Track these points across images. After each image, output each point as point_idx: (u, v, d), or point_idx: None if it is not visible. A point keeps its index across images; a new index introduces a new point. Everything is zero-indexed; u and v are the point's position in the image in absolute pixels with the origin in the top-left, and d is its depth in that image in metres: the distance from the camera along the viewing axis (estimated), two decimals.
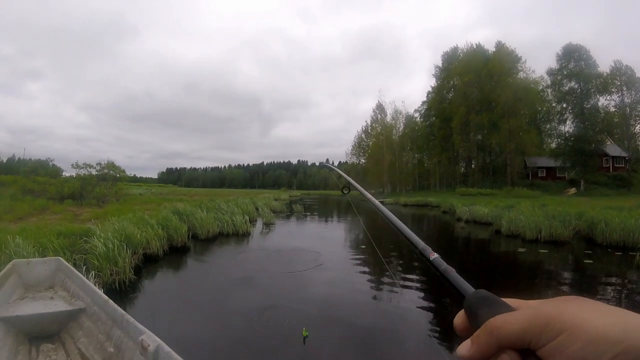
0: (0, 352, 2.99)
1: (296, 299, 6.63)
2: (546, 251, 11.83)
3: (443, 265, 0.63)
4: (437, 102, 68.76)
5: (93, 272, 6.24)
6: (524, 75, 58.23)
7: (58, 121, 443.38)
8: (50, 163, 33.25)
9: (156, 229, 9.95)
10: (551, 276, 9.09)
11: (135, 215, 11.52)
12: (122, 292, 6.56)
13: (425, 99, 75.34)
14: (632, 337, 0.34)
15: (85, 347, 3.30)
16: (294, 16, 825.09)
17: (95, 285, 4.20)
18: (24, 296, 4.05)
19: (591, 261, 10.27)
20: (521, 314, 0.41)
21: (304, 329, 4.86)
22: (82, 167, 21.77)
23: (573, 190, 45.78)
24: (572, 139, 50.05)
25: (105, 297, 3.49)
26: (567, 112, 52.40)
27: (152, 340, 2.50)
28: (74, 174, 22.34)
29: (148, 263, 8.81)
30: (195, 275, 8.39)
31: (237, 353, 4.51)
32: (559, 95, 52.75)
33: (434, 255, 0.67)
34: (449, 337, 4.85)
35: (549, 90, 55.86)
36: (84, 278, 4.11)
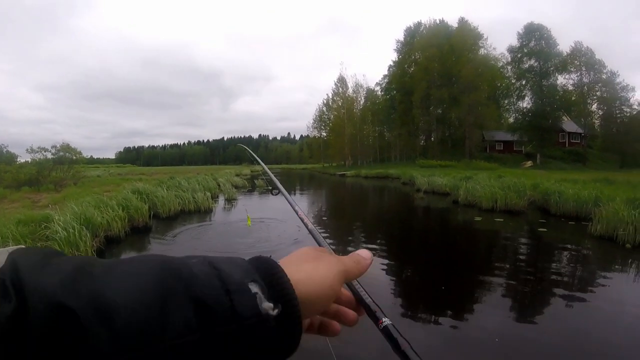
0: None
1: None
2: (502, 220, 12.32)
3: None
4: (398, 76, 68.96)
5: None
6: (485, 51, 59.37)
7: (12, 104, 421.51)
8: (4, 149, 31.75)
9: (117, 210, 9.74)
10: (507, 243, 9.53)
11: (94, 197, 11.23)
12: None
13: (386, 72, 75.60)
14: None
15: None
16: None
17: None
18: None
19: (545, 230, 10.77)
20: None
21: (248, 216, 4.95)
22: (37, 152, 20.84)
23: (530, 163, 47.47)
24: (530, 114, 52.02)
25: None
26: (526, 89, 54.29)
27: None
28: (29, 159, 21.58)
29: (110, 245, 8.68)
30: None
31: None
32: (518, 72, 54.61)
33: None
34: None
35: (509, 67, 57.59)
36: None
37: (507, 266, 7.30)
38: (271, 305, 0.39)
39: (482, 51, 58.98)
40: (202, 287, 0.37)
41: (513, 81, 56.74)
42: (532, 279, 6.41)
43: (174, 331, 0.34)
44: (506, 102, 61.34)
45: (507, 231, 10.98)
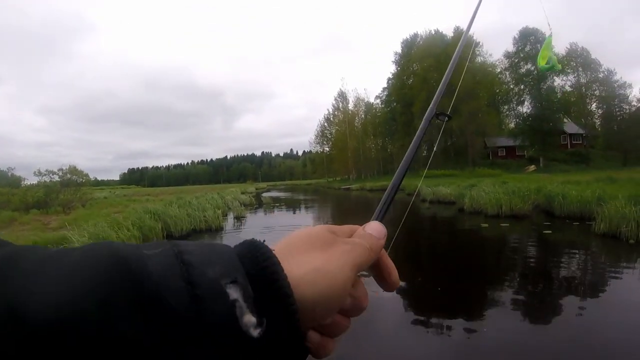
0: None
1: None
2: (508, 225, 12.47)
3: None
4: (397, 87, 69.34)
5: None
6: (482, 59, 59.63)
7: (17, 127, 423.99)
8: (10, 173, 32.05)
9: (132, 229, 10.04)
10: (514, 247, 9.74)
11: (107, 218, 11.50)
12: None
13: (385, 85, 76.15)
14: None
15: None
16: (255, 8, 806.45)
17: None
18: None
19: (550, 232, 10.90)
20: None
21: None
22: (45, 174, 21.35)
23: (533, 167, 47.43)
24: (530, 119, 52.37)
25: None
26: (525, 94, 54.67)
27: None
28: (36, 182, 21.91)
29: None
30: None
31: None
32: (516, 77, 55.19)
33: None
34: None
35: (506, 73, 58.28)
36: None
37: (514, 269, 7.47)
38: (254, 320, 0.28)
39: (479, 59, 59.31)
40: (157, 289, 0.26)
41: (512, 86, 57.28)
42: (540, 281, 6.55)
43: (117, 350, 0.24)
44: (506, 107, 61.84)
45: (513, 235, 11.20)
